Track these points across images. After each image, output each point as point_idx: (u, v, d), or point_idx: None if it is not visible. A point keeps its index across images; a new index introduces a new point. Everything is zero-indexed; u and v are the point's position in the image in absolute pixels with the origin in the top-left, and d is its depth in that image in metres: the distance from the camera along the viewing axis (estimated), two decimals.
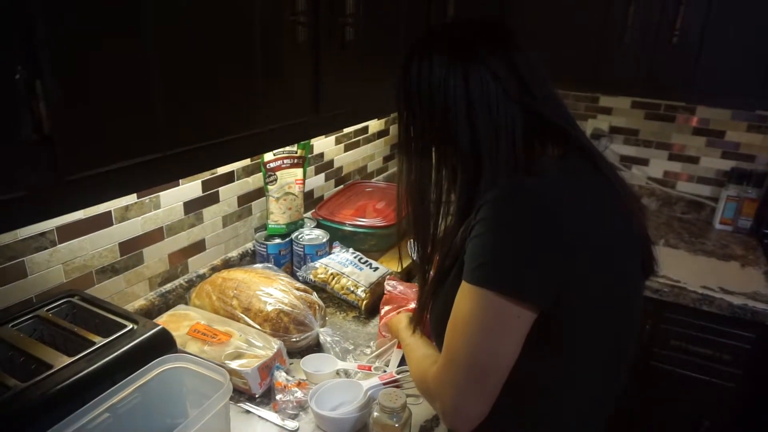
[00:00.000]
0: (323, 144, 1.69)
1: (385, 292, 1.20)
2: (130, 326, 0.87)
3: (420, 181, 0.81)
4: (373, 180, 1.99)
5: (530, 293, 0.66)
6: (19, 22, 0.50)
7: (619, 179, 0.79)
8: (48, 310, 0.90)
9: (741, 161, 1.97)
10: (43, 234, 0.96)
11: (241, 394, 1.01)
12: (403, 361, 1.10)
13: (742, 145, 1.96)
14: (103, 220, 1.06)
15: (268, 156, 1.37)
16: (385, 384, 1.02)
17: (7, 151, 0.52)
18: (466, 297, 0.69)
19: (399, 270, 1.46)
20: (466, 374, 0.69)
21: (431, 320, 0.85)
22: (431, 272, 0.84)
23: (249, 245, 1.45)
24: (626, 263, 0.77)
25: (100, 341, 0.82)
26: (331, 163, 1.75)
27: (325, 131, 1.00)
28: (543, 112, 0.75)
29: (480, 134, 0.74)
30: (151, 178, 0.71)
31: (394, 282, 1.22)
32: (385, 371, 1.07)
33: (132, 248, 1.13)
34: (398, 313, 1.11)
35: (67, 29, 0.55)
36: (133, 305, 1.15)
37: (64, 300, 0.94)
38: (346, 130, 1.78)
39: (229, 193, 1.36)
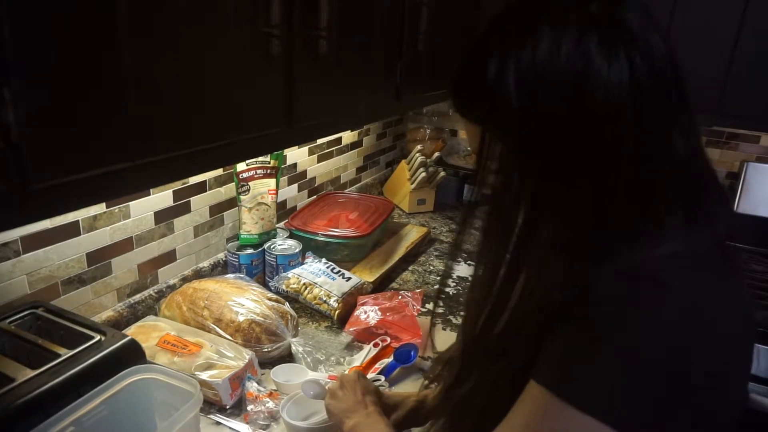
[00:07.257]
0: (297, 154, 1.69)
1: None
2: (98, 337, 0.85)
3: (500, 236, 0.55)
4: (346, 191, 2.00)
5: None
6: None
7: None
8: (10, 323, 0.88)
9: None
10: (6, 244, 0.93)
11: (211, 405, 1.00)
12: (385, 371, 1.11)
13: None
14: (70, 230, 1.04)
15: (240, 166, 1.37)
16: None
17: None
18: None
19: (372, 280, 1.47)
20: None
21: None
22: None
23: (221, 255, 1.43)
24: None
25: (65, 353, 0.81)
26: (304, 173, 1.76)
27: (298, 142, 1.01)
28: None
29: (653, 163, 0.51)
30: (122, 187, 0.70)
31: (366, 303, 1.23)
32: None
33: (100, 258, 1.11)
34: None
35: (36, 35, 0.54)
36: (100, 317, 1.12)
37: (28, 312, 0.91)
38: (319, 141, 1.79)
39: (200, 203, 1.35)
